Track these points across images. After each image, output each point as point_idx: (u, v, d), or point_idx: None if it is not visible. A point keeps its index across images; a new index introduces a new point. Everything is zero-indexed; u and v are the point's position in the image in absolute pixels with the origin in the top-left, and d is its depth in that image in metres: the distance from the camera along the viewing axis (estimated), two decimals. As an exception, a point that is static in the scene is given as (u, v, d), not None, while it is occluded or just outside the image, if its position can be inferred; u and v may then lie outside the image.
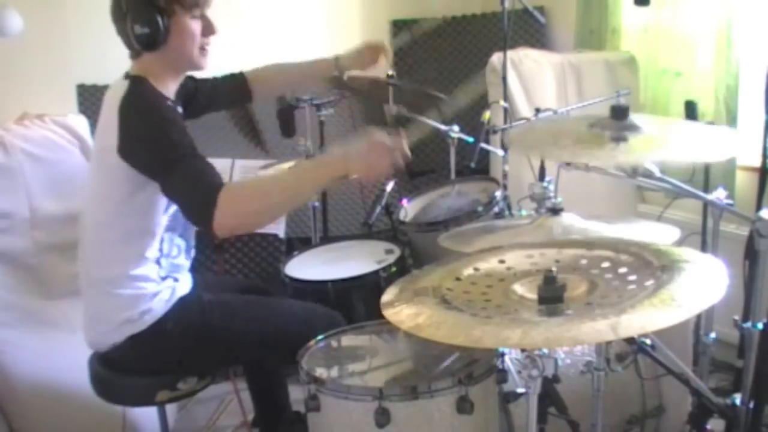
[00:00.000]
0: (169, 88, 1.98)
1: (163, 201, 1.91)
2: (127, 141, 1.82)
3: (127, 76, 1.96)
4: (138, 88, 1.90)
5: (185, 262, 2.09)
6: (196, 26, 1.94)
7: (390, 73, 2.63)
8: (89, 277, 2.01)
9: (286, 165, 2.86)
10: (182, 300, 2.02)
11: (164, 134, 1.81)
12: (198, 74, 2.13)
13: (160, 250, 1.98)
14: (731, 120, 2.97)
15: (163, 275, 2.00)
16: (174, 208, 1.94)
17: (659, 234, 1.87)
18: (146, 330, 1.95)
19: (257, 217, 1.83)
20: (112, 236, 1.93)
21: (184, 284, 2.06)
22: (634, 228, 1.93)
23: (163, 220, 1.96)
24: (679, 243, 1.74)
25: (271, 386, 2.40)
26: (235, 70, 2.43)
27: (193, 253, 2.13)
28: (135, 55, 1.96)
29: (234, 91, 2.40)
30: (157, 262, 1.98)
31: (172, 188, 1.81)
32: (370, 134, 1.80)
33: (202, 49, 1.97)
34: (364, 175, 1.82)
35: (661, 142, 1.70)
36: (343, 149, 1.81)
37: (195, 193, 1.76)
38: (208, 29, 1.97)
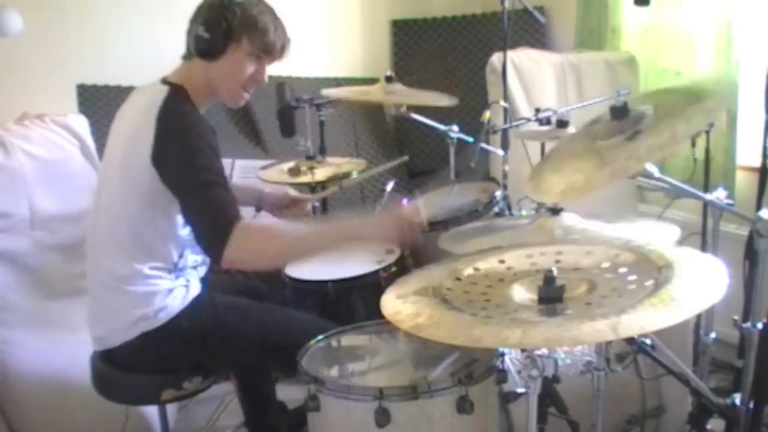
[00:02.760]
0: (202, 105, 1.99)
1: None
2: (162, 152, 1.83)
3: (165, 81, 1.97)
4: (178, 99, 1.91)
5: (196, 275, 2.10)
6: (250, 65, 1.96)
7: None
8: (100, 274, 2.01)
9: (286, 166, 2.87)
10: (196, 299, 2.03)
11: (198, 157, 1.82)
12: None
13: (176, 263, 1.99)
14: (731, 120, 2.97)
15: (175, 275, 2.00)
16: None
17: (660, 233, 1.87)
18: (161, 327, 1.95)
19: (265, 260, 1.90)
20: (129, 234, 1.93)
21: (196, 285, 2.07)
22: (635, 227, 1.93)
23: (184, 232, 1.97)
24: (679, 243, 1.74)
25: (256, 378, 2.41)
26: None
27: (203, 271, 2.13)
28: (187, 56, 1.98)
29: None
30: (170, 271, 1.99)
31: (191, 211, 1.84)
32: (391, 209, 1.88)
33: (244, 89, 1.99)
34: (379, 241, 1.97)
35: (671, 110, 1.64)
36: (364, 218, 1.94)
37: (211, 222, 1.79)
38: (258, 76, 1.99)
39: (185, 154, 1.83)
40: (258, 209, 2.42)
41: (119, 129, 2.01)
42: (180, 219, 1.93)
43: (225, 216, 1.79)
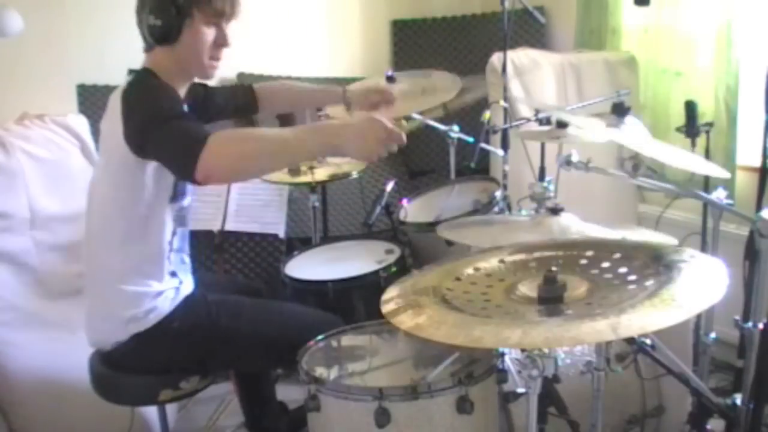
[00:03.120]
0: (178, 87, 1.98)
1: (169, 189, 1.91)
2: (128, 121, 1.83)
3: (132, 71, 1.97)
4: (140, 76, 1.92)
5: (188, 261, 2.09)
6: (209, 33, 1.94)
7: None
8: (94, 272, 2.01)
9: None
10: (187, 299, 2.03)
11: (158, 104, 1.81)
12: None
13: (170, 242, 1.99)
14: (731, 120, 2.97)
15: (170, 270, 2.00)
16: (187, 200, 1.97)
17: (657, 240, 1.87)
18: (151, 328, 1.95)
19: (244, 160, 1.73)
20: (121, 231, 1.93)
21: (188, 284, 2.07)
22: (633, 235, 1.93)
23: (173, 210, 1.96)
24: (679, 243, 1.74)
25: (255, 377, 2.41)
26: (235, 69, 2.44)
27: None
28: (147, 47, 1.97)
29: (242, 103, 2.42)
30: (168, 257, 1.99)
31: (159, 145, 1.77)
32: (371, 117, 1.79)
33: (212, 58, 1.98)
34: (356, 149, 1.75)
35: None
36: (342, 121, 1.83)
37: (182, 142, 1.73)
38: (221, 40, 1.97)
39: (146, 109, 1.81)
40: (348, 106, 2.41)
41: (102, 128, 2.01)
42: (166, 195, 1.92)
43: (194, 135, 1.72)
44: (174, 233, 1.99)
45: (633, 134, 1.74)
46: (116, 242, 1.94)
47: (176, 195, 1.95)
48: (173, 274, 2.01)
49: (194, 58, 1.94)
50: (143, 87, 1.89)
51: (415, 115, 2.76)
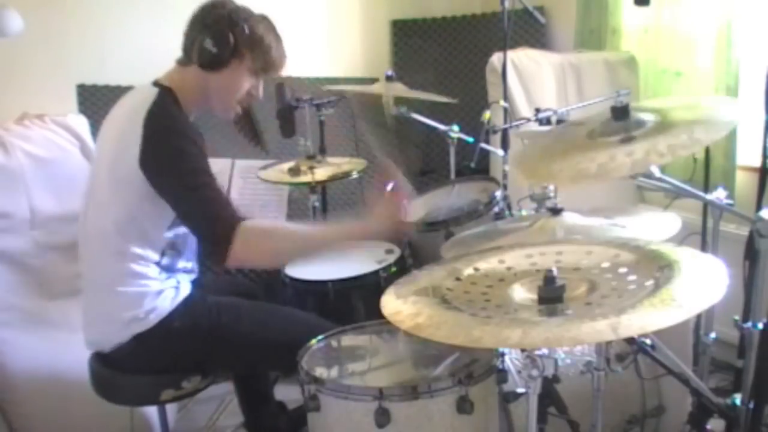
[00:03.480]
0: (191, 111, 2.00)
1: (169, 215, 1.92)
2: (150, 155, 1.84)
3: (156, 83, 1.96)
4: (166, 103, 1.91)
5: (186, 278, 2.10)
6: (248, 81, 1.99)
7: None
8: (91, 275, 2.01)
9: (286, 166, 2.86)
10: (187, 299, 2.03)
11: (185, 159, 1.84)
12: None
13: (158, 262, 1.99)
14: (731, 120, 2.97)
15: (165, 276, 2.00)
16: (181, 229, 1.97)
17: (661, 226, 1.87)
18: (152, 328, 1.95)
19: (269, 258, 1.94)
20: (117, 234, 1.93)
21: (185, 286, 2.07)
22: (636, 220, 1.93)
23: (168, 234, 1.98)
24: (679, 243, 1.74)
25: (254, 377, 2.42)
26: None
27: (195, 275, 2.14)
28: (185, 62, 1.98)
29: None
30: (158, 263, 1.99)
31: (187, 215, 1.86)
32: (375, 203, 1.95)
33: (239, 103, 2.02)
34: (388, 227, 1.98)
35: (667, 128, 1.64)
36: (363, 220, 1.97)
37: (212, 224, 1.82)
38: (254, 90, 2.02)
39: (174, 159, 1.84)
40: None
41: (109, 130, 2.01)
42: (167, 221, 1.94)
43: (225, 217, 1.81)
44: (163, 254, 2.00)
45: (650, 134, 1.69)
46: (109, 255, 1.95)
47: (174, 223, 1.97)
48: (169, 276, 2.01)
49: (224, 96, 1.99)
50: (168, 123, 1.89)
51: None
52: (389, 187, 2.00)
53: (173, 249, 2.01)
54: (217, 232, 1.80)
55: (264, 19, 2.00)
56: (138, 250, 1.94)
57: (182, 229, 1.98)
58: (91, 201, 2.01)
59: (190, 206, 1.84)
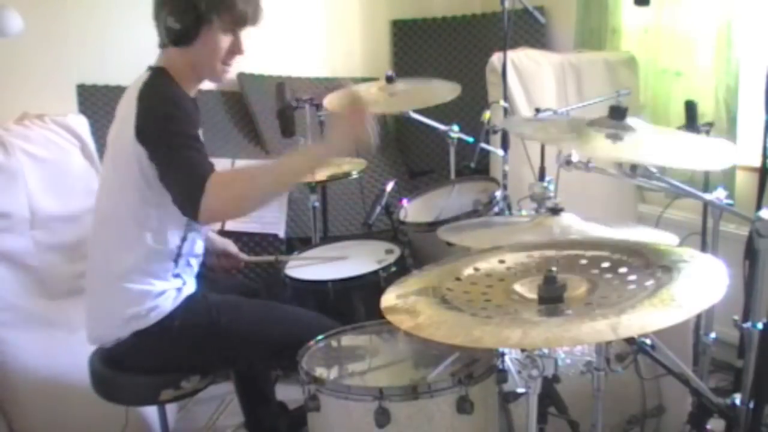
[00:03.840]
0: (189, 87, 2.00)
1: None
2: (143, 125, 1.85)
3: (150, 68, 1.98)
4: (158, 78, 1.93)
5: (196, 266, 2.10)
6: (225, 41, 1.97)
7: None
8: (99, 271, 2.01)
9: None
10: (189, 299, 2.03)
11: (173, 122, 1.84)
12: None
13: (180, 247, 2.00)
14: (731, 120, 2.97)
15: (175, 273, 2.01)
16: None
17: (658, 239, 1.87)
18: (152, 326, 1.96)
19: (243, 201, 1.86)
20: (127, 229, 1.94)
21: (191, 285, 2.07)
22: (633, 233, 1.93)
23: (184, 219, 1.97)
24: (679, 243, 1.74)
25: (255, 377, 2.41)
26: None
27: (197, 267, 2.14)
28: (162, 45, 1.99)
29: None
30: (175, 260, 1.99)
31: (166, 176, 1.84)
32: (334, 116, 1.87)
33: (225, 63, 2.00)
34: (339, 152, 1.91)
35: (655, 147, 1.70)
36: (321, 139, 1.92)
37: (186, 182, 1.79)
38: (235, 47, 1.99)
39: (160, 122, 1.85)
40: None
41: (114, 122, 2.03)
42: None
43: (197, 173, 1.79)
44: (184, 238, 2.00)
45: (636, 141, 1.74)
46: (124, 243, 1.95)
47: None
48: (177, 275, 2.02)
49: (207, 63, 1.97)
50: (160, 93, 1.90)
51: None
52: (347, 101, 1.95)
53: (192, 230, 2.01)
54: (189, 187, 1.78)
55: None
56: (153, 242, 1.94)
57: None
58: (102, 195, 2.03)
59: (167, 166, 1.83)
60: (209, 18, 1.90)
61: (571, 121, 1.93)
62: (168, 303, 1.98)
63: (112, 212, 1.96)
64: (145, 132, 1.85)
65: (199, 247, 2.08)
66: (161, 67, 1.96)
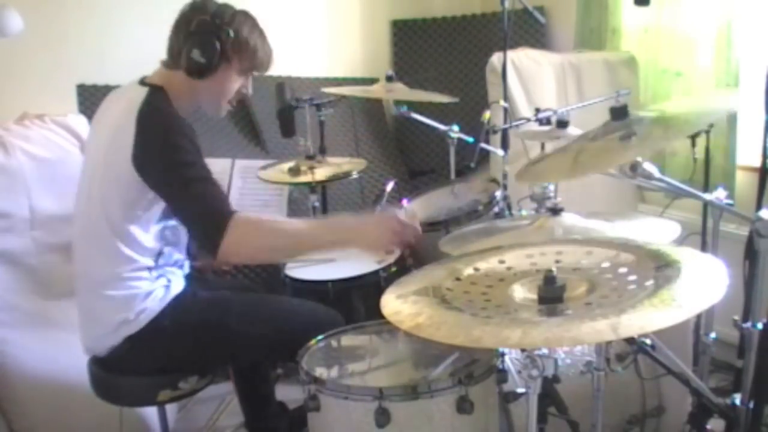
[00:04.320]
0: (185, 111, 1.99)
1: (159, 212, 1.92)
2: (143, 153, 1.83)
3: (144, 83, 1.96)
4: (157, 100, 1.91)
5: (180, 272, 2.09)
6: (237, 82, 2.00)
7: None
8: (82, 280, 2.01)
9: (286, 166, 2.87)
10: (177, 298, 2.02)
11: (180, 154, 1.83)
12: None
13: (156, 260, 1.99)
14: (731, 120, 2.97)
15: (155, 276, 2.00)
16: (171, 222, 1.96)
17: (660, 231, 1.87)
18: (143, 329, 1.95)
19: (261, 253, 1.90)
20: (106, 239, 1.92)
21: (178, 284, 2.06)
22: (635, 225, 1.93)
23: (162, 233, 1.97)
24: (679, 243, 1.74)
25: (254, 377, 2.42)
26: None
27: (187, 268, 2.13)
28: (171, 66, 1.97)
29: None
30: (149, 269, 1.98)
31: (181, 210, 1.85)
32: (387, 212, 1.92)
33: (229, 102, 2.03)
34: (369, 245, 1.92)
35: (666, 122, 1.66)
36: (360, 219, 1.94)
37: (205, 217, 1.80)
38: (243, 88, 2.03)
39: (167, 153, 1.83)
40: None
41: (99, 131, 2.00)
42: (158, 219, 1.93)
43: (218, 210, 1.80)
44: (160, 253, 1.99)
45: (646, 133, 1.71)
46: (103, 253, 1.94)
47: (164, 215, 1.95)
48: (161, 275, 2.01)
49: (214, 99, 1.99)
50: (162, 118, 1.88)
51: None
52: (403, 205, 1.97)
53: (168, 243, 2.00)
54: (209, 225, 1.79)
55: (247, 17, 1.99)
56: (131, 253, 1.93)
57: (173, 221, 1.97)
58: (81, 205, 2.01)
59: (183, 200, 1.83)
60: (230, 58, 1.93)
61: (572, 144, 1.86)
62: (155, 304, 1.97)
63: (92, 223, 1.95)
64: (147, 161, 1.83)
65: (179, 258, 2.07)
66: (160, 86, 1.94)
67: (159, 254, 1.99)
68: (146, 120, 1.85)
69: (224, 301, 2.08)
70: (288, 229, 1.91)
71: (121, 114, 1.90)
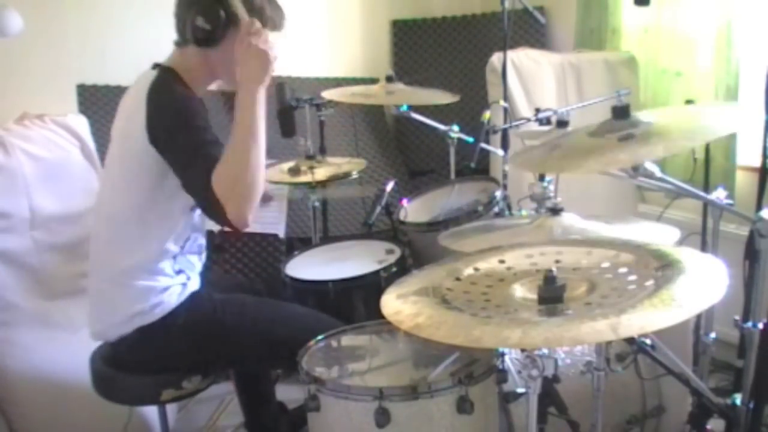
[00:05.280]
0: (198, 89, 1.98)
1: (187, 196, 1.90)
2: (155, 126, 1.83)
3: (155, 66, 1.97)
4: (166, 78, 1.91)
5: (199, 263, 2.09)
6: None
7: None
8: (102, 269, 2.01)
9: (286, 166, 2.87)
10: (193, 296, 2.03)
11: (188, 123, 1.82)
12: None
13: (182, 246, 1.99)
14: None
15: (177, 269, 2.00)
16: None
17: (659, 234, 1.87)
18: (156, 322, 1.95)
19: (253, 191, 1.78)
20: (132, 228, 1.93)
21: (195, 282, 2.07)
22: (634, 228, 1.93)
23: (190, 217, 1.97)
24: (679, 243, 1.74)
25: (254, 377, 2.42)
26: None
27: (205, 256, 2.13)
28: (182, 43, 1.97)
29: None
30: (174, 257, 1.99)
31: (191, 181, 1.81)
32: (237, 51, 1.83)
33: None
34: (258, 77, 1.82)
35: (666, 130, 1.65)
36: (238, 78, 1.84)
37: (209, 189, 1.75)
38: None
39: (176, 123, 1.82)
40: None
41: (117, 123, 2.02)
42: (185, 201, 1.90)
43: (207, 165, 1.76)
44: (188, 238, 2.00)
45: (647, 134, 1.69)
46: (128, 242, 1.95)
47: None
48: (180, 271, 2.01)
49: (229, 66, 1.91)
50: (171, 92, 1.87)
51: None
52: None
53: (195, 230, 2.00)
54: (211, 195, 1.75)
55: None
56: (157, 240, 1.93)
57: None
58: (105, 194, 2.02)
59: (192, 171, 1.80)
60: (237, 21, 1.88)
61: (571, 137, 1.85)
62: (173, 299, 1.98)
63: (117, 211, 1.95)
64: (159, 133, 1.83)
65: (201, 243, 2.08)
66: (169, 67, 1.94)
67: (186, 240, 1.99)
68: (156, 97, 1.85)
69: (239, 303, 2.08)
70: (230, 143, 1.81)
71: (133, 100, 1.91)
